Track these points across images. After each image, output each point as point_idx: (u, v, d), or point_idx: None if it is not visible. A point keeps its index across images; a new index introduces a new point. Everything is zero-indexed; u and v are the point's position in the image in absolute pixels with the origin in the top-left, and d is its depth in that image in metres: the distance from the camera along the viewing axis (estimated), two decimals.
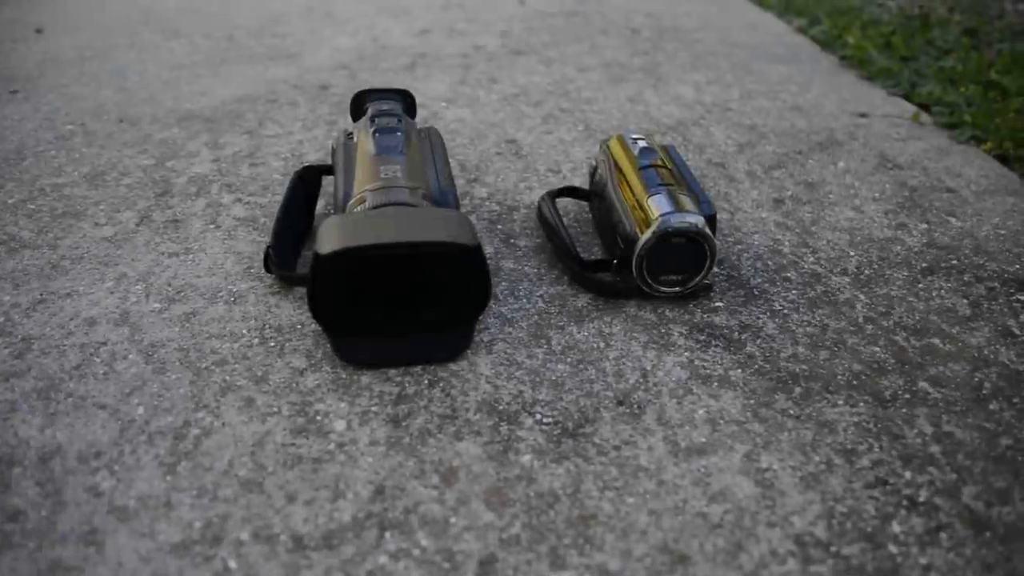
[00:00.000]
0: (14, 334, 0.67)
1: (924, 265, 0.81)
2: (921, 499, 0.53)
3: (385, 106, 0.81)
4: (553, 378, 0.63)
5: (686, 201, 0.71)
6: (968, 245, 0.85)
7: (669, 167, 0.77)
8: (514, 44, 1.57)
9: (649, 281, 0.71)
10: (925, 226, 0.89)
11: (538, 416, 0.59)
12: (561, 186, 0.90)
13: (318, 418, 0.58)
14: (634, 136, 0.82)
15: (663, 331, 0.69)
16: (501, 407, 0.60)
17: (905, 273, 0.80)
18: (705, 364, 0.65)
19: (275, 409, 0.59)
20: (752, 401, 0.62)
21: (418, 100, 0.96)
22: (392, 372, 0.63)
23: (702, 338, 0.69)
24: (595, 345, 0.67)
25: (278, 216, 0.76)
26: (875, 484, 0.54)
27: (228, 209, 0.88)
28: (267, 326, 0.68)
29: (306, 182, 0.83)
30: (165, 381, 0.62)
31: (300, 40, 1.56)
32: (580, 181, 0.97)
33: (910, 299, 0.75)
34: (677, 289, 0.72)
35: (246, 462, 0.54)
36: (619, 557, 0.48)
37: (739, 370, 0.65)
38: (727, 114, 1.22)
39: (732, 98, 1.29)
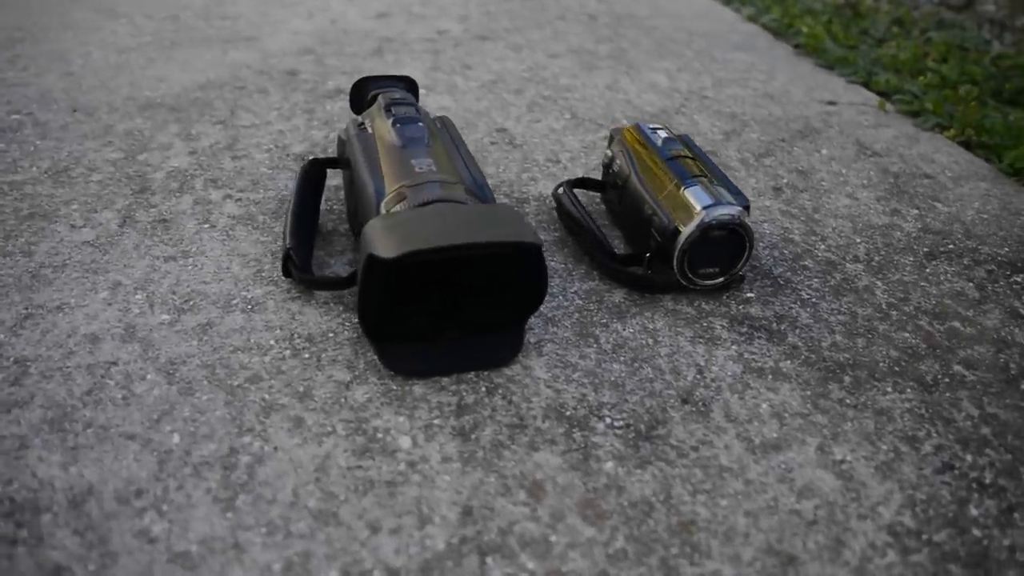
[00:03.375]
0: (4, 356, 0.59)
1: (925, 250, 0.84)
2: (988, 481, 0.55)
3: (397, 95, 0.76)
4: (612, 379, 0.61)
5: (723, 193, 0.70)
6: (959, 230, 0.89)
7: (692, 157, 0.76)
8: (476, 29, 1.52)
9: (689, 275, 0.70)
10: (916, 211, 0.92)
11: (608, 420, 0.57)
12: (569, 177, 0.88)
13: (379, 436, 0.54)
14: (652, 126, 0.81)
15: (705, 325, 0.69)
16: (568, 412, 0.58)
17: (911, 259, 0.82)
18: (754, 357, 0.65)
19: (329, 428, 0.55)
20: (808, 392, 0.62)
21: None
22: (445, 381, 0.59)
23: (744, 330, 0.68)
24: (644, 342, 0.66)
25: (294, 215, 0.70)
26: (943, 469, 0.55)
27: (220, 206, 0.81)
28: (295, 335, 0.63)
29: (312, 178, 0.77)
30: (196, 403, 0.56)
31: (253, 22, 1.45)
32: (581, 171, 0.95)
33: (922, 284, 0.78)
34: (718, 281, 0.71)
35: (313, 490, 0.50)
36: (730, 563, 0.47)
37: (788, 361, 0.65)
38: (705, 102, 1.22)
39: (706, 86, 1.30)
